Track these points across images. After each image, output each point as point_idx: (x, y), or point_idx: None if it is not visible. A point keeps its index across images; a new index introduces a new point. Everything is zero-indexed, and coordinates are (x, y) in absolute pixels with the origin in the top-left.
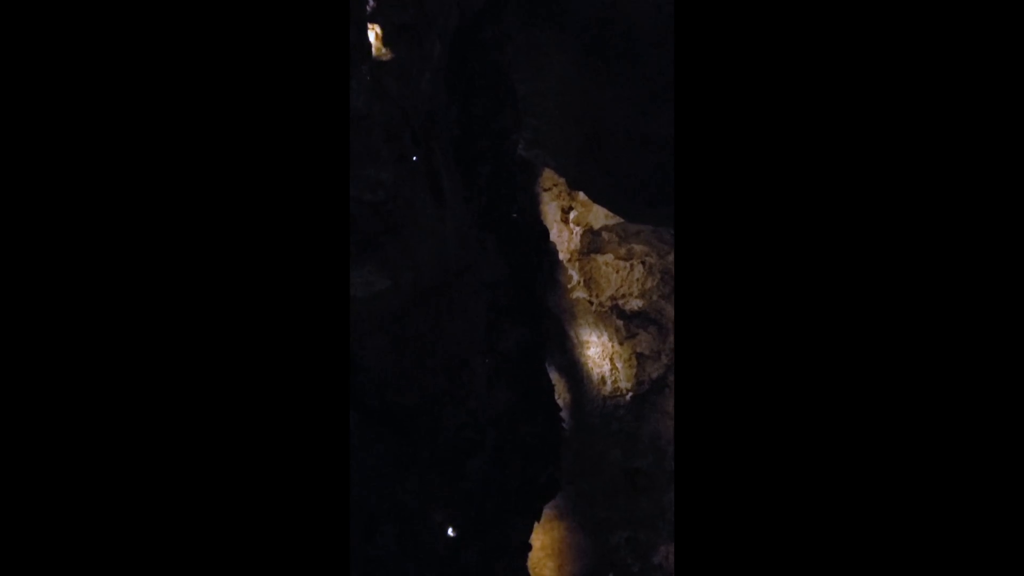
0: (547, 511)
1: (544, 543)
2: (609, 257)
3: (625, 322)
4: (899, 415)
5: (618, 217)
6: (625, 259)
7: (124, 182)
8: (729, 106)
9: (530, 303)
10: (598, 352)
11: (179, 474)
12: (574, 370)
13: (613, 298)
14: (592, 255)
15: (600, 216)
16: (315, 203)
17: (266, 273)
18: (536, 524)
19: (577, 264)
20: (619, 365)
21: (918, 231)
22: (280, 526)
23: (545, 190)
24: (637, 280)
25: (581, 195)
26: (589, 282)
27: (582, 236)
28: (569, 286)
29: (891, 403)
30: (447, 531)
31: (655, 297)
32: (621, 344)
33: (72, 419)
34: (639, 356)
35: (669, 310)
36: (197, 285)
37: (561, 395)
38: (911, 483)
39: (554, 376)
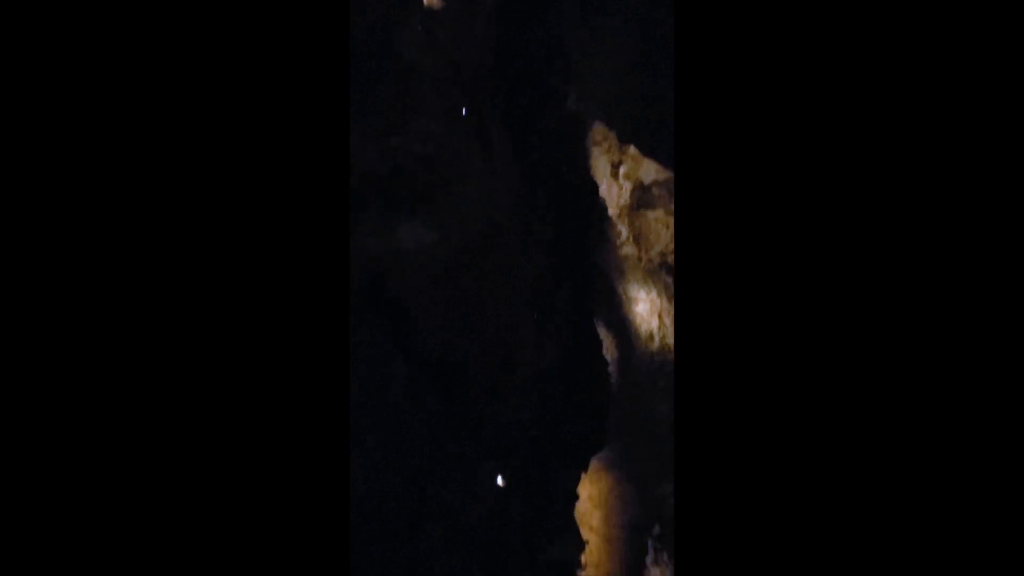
0: (594, 463)
1: (591, 493)
2: (659, 213)
3: (674, 278)
4: (908, 421)
5: (668, 172)
6: (675, 215)
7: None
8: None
9: (579, 259)
10: (646, 308)
11: (172, 474)
12: (622, 326)
13: (662, 254)
14: (642, 210)
15: (651, 171)
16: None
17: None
18: (583, 475)
19: (626, 220)
20: (667, 321)
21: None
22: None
23: (595, 144)
24: None
25: (632, 149)
26: (638, 238)
27: (632, 192)
28: (618, 242)
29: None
30: (496, 480)
31: None
32: (670, 300)
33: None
34: None
35: None
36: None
37: (609, 351)
38: (919, 489)
39: (602, 332)
